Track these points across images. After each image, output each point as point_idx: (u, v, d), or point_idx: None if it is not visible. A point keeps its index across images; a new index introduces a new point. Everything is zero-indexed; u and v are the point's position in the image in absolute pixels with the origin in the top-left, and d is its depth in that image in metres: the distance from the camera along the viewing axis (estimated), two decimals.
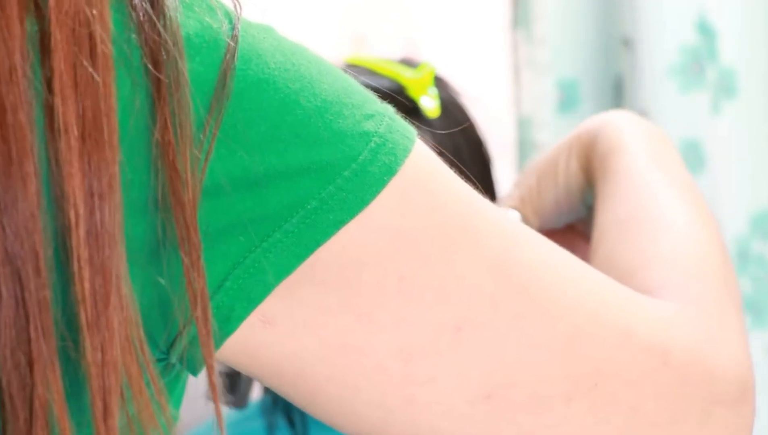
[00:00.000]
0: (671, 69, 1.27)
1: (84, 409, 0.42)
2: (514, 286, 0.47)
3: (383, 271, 0.45)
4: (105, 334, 0.41)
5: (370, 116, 0.46)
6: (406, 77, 0.90)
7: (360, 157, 0.45)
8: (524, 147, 1.33)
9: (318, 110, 0.45)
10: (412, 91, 0.89)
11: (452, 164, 0.77)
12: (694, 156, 1.27)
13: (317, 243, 0.44)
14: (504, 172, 1.32)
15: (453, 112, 0.93)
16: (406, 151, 0.46)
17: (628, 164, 0.62)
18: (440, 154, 0.92)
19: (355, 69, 0.93)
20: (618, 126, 0.65)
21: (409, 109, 0.89)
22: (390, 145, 0.45)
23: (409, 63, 0.94)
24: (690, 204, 0.60)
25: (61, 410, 0.41)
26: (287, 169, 0.44)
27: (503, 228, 0.48)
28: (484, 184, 0.94)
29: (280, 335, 0.44)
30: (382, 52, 1.05)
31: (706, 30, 1.29)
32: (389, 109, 0.48)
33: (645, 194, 0.60)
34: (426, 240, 0.45)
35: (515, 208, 0.69)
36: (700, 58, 1.27)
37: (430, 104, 0.89)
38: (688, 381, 0.50)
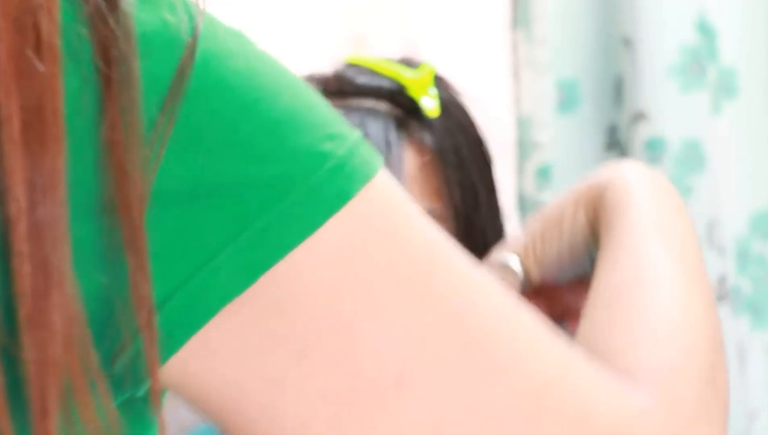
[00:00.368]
0: (671, 69, 1.26)
1: (25, 408, 0.40)
2: (469, 344, 0.44)
3: (326, 308, 0.42)
4: (45, 331, 0.39)
5: (331, 137, 0.43)
6: (407, 77, 0.90)
7: (313, 177, 0.42)
8: (524, 147, 1.33)
9: (275, 122, 0.43)
10: (413, 91, 0.89)
11: (453, 164, 0.77)
12: (694, 156, 1.27)
13: (263, 268, 0.41)
14: (504, 172, 1.32)
15: (453, 111, 0.93)
16: (366, 178, 0.43)
17: (632, 226, 0.59)
18: (441, 153, 0.91)
19: (355, 68, 0.92)
20: (627, 180, 0.62)
21: (409, 108, 0.89)
22: (348, 170, 0.43)
23: (409, 63, 0.93)
24: (689, 276, 0.56)
25: (1, 408, 0.39)
26: (237, 181, 0.41)
27: (468, 279, 0.45)
28: (485, 183, 0.94)
29: (218, 362, 0.42)
30: (382, 52, 1.05)
31: (706, 30, 1.29)
32: (355, 135, 0.45)
33: (642, 263, 0.57)
34: (376, 277, 0.43)
35: (518, 253, 0.65)
36: (700, 58, 1.27)
37: (430, 104, 0.89)
38: None
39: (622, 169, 0.64)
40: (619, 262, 0.58)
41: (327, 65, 0.94)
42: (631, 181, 0.62)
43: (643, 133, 1.27)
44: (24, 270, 0.39)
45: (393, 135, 0.86)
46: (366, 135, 0.44)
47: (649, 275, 0.56)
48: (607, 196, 0.62)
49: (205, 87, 0.42)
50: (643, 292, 0.55)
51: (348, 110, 0.87)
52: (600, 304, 0.56)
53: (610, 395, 0.47)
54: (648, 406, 0.48)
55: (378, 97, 0.89)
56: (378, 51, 1.24)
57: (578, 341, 0.53)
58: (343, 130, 0.44)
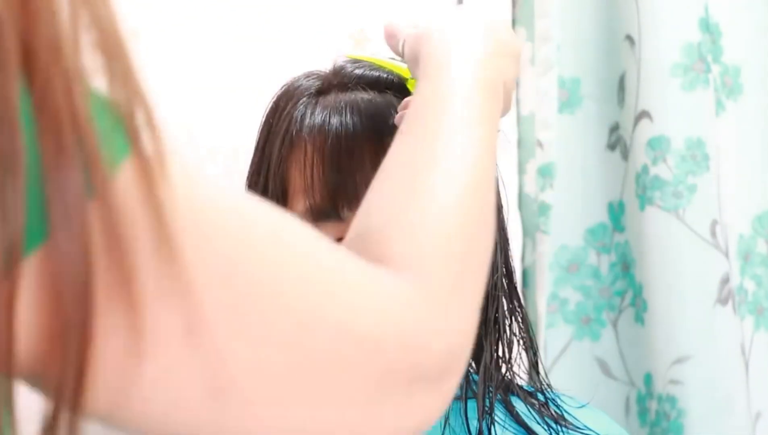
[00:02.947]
0: (675, 67, 1.26)
1: None
2: (241, 291, 0.48)
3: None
4: None
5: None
6: (404, 68, 0.89)
7: None
8: (526, 146, 1.32)
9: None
10: (410, 83, 0.89)
11: None
12: (697, 155, 1.26)
13: None
14: (505, 170, 1.31)
15: None
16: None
17: (443, 93, 0.65)
18: None
19: (354, 62, 0.92)
20: (449, 38, 0.69)
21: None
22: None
23: None
24: (474, 162, 0.62)
25: None
26: None
27: (235, 225, 0.49)
28: None
29: None
30: (383, 51, 1.04)
31: (709, 28, 1.28)
32: None
33: (437, 141, 0.62)
34: (147, 234, 0.45)
35: None
36: (704, 57, 1.26)
37: None
38: (394, 368, 0.53)
39: (448, 21, 0.72)
40: (417, 132, 0.64)
41: (328, 63, 0.94)
42: (453, 37, 0.69)
43: (646, 131, 1.26)
44: None
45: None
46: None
47: (437, 155, 0.61)
48: (427, 61, 0.69)
49: None
50: (427, 172, 0.61)
51: (348, 103, 0.86)
52: (387, 174, 0.62)
53: (366, 299, 0.53)
54: (405, 291, 0.55)
55: (377, 89, 0.89)
56: (379, 49, 1.23)
57: (360, 209, 0.61)
58: None
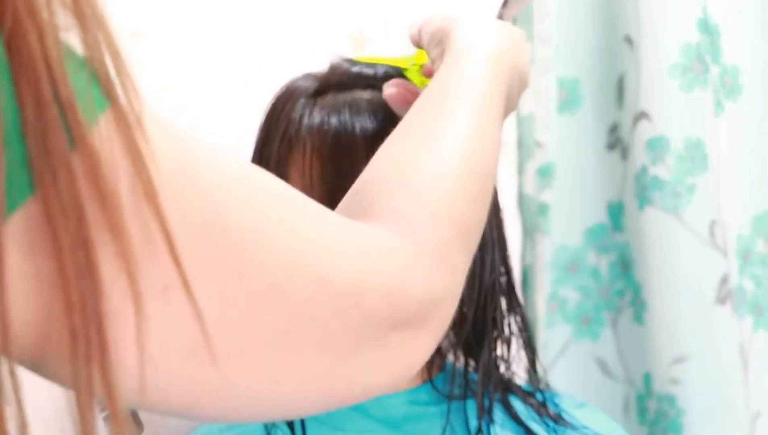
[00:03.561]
0: (673, 68, 1.26)
1: None
2: (217, 247, 0.47)
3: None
4: None
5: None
6: (401, 59, 0.90)
7: None
8: (525, 146, 1.33)
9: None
10: (410, 73, 0.89)
11: None
12: (696, 155, 1.26)
13: None
14: (504, 170, 1.31)
15: None
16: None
17: (458, 80, 0.68)
18: None
19: (349, 61, 0.92)
20: (472, 33, 0.73)
21: None
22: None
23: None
24: (479, 140, 0.64)
25: None
26: None
27: (211, 178, 0.48)
28: None
29: None
30: (382, 52, 1.04)
31: (708, 29, 1.28)
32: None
33: (447, 114, 0.65)
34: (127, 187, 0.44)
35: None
36: (703, 57, 1.26)
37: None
38: (374, 317, 0.53)
39: (470, 20, 0.75)
40: (432, 105, 0.66)
41: (327, 63, 0.94)
42: (476, 33, 0.73)
43: (645, 132, 1.26)
44: None
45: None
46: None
47: (442, 128, 0.64)
48: (454, 43, 0.73)
49: None
50: (429, 143, 0.63)
51: (346, 103, 0.86)
52: (391, 141, 0.65)
53: (347, 252, 0.53)
54: (390, 241, 0.55)
55: (376, 87, 0.89)
56: (378, 51, 1.23)
57: (363, 171, 0.63)
58: None
